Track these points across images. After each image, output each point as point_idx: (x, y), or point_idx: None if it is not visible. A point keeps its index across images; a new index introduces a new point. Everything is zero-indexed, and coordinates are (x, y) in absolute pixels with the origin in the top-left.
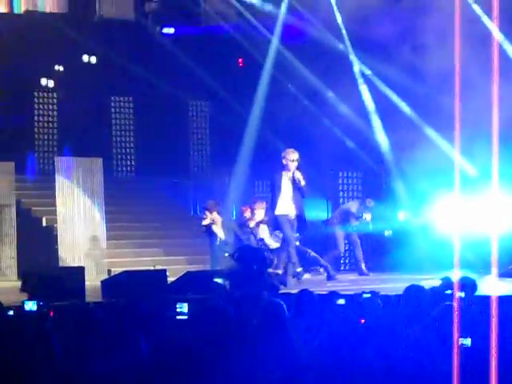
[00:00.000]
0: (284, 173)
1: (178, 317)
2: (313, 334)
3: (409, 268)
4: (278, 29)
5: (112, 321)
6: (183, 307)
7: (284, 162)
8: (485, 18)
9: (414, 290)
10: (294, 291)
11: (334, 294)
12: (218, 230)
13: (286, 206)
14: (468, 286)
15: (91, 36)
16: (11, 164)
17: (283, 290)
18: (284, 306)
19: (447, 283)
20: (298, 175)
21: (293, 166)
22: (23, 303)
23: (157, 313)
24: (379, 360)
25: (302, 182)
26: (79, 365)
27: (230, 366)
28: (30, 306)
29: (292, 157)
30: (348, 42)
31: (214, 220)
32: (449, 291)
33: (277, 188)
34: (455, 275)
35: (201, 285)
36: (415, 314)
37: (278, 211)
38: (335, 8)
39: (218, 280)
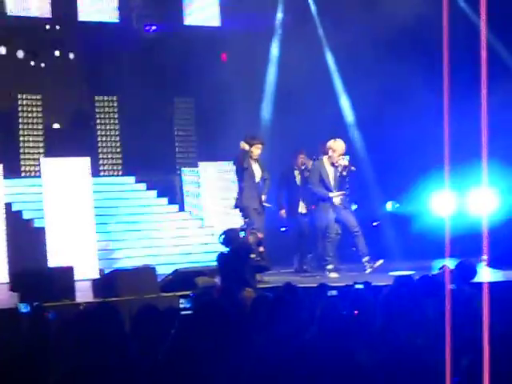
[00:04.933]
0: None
1: (183, 312)
2: (303, 326)
3: (399, 257)
4: None
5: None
6: (186, 302)
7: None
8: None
9: (403, 281)
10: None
11: (325, 286)
12: None
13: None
14: (467, 270)
15: (74, 36)
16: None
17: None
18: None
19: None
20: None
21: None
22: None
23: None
24: (372, 352)
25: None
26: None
27: (229, 360)
28: (23, 307)
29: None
30: None
31: None
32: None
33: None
34: (448, 263)
35: (190, 282)
36: (405, 306)
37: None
38: None
39: (200, 280)
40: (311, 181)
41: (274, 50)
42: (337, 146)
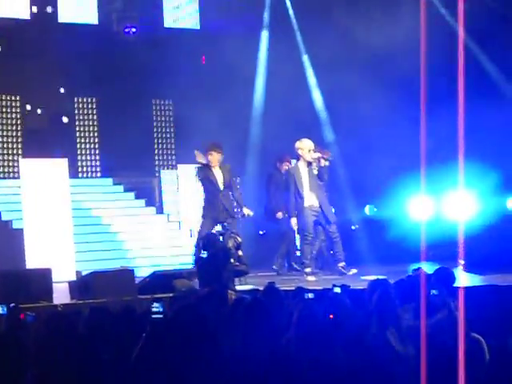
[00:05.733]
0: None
1: (154, 316)
2: (281, 330)
3: (376, 261)
4: None
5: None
6: (159, 306)
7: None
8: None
9: (378, 285)
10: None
11: (302, 290)
12: None
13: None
14: (445, 276)
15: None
16: None
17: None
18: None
19: (418, 274)
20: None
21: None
22: None
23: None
24: (347, 357)
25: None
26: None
27: (202, 365)
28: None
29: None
30: None
31: None
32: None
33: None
34: (423, 267)
35: (167, 284)
36: (382, 311)
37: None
38: None
39: (178, 283)
40: (286, 188)
41: (255, 52)
42: (303, 144)
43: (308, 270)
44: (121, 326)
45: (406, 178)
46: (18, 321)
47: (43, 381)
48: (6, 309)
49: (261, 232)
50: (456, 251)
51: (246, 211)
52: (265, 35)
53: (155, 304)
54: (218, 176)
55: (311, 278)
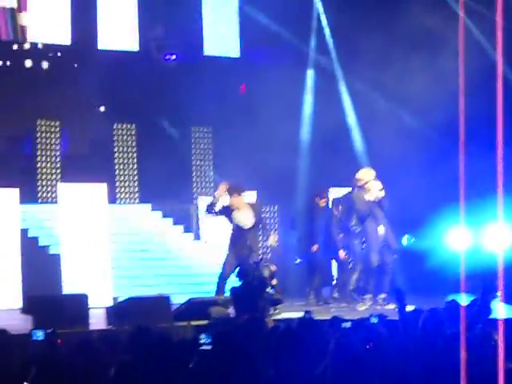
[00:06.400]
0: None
1: (203, 347)
2: (316, 359)
3: (413, 291)
4: None
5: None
6: (206, 338)
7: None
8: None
9: (415, 315)
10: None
11: (339, 319)
12: None
13: None
14: (482, 308)
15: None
16: (16, 190)
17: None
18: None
19: (454, 306)
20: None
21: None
22: (32, 332)
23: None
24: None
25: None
26: None
27: None
28: (39, 334)
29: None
30: None
31: None
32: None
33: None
34: (460, 298)
35: (203, 312)
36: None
37: None
38: None
39: (214, 311)
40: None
41: (297, 83)
42: (368, 175)
43: (368, 296)
44: (161, 352)
45: (445, 210)
46: (56, 346)
47: None
48: (43, 334)
49: (297, 261)
50: (495, 283)
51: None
52: (310, 73)
53: (202, 335)
54: (243, 216)
55: (363, 307)
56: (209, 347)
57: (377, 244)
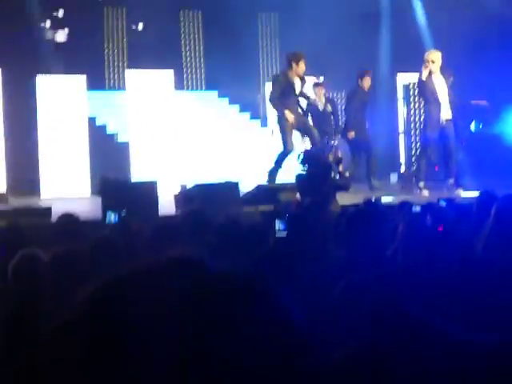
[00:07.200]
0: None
1: (278, 235)
2: (385, 242)
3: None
4: None
5: None
6: (280, 224)
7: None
8: None
9: (486, 197)
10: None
11: (408, 203)
12: None
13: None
14: None
15: None
16: (83, 77)
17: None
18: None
19: None
20: None
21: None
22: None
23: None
24: (458, 265)
25: None
26: None
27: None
28: (112, 216)
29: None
30: None
31: None
32: None
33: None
34: None
35: (272, 197)
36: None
37: None
38: None
39: (283, 196)
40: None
41: None
42: (434, 56)
43: (422, 184)
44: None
45: None
46: (129, 229)
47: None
48: (117, 217)
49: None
50: None
51: None
52: None
53: (277, 221)
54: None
55: (426, 193)
56: (283, 234)
57: (432, 124)
